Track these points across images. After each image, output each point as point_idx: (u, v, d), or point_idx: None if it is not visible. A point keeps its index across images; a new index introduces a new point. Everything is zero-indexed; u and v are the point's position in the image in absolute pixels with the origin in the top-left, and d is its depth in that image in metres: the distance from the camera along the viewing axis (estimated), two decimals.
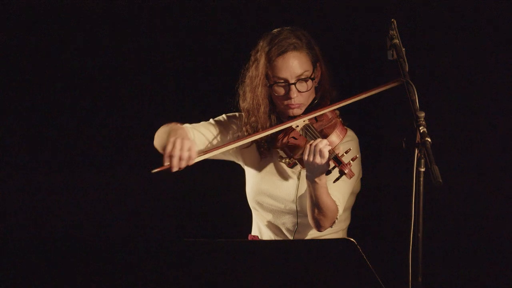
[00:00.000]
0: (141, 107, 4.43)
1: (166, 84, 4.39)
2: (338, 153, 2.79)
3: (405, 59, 2.74)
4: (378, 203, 4.09)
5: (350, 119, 4.09)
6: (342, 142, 3.01)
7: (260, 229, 3.21)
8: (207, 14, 4.23)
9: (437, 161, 2.42)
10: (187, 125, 3.18)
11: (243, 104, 3.17)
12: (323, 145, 2.81)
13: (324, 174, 2.85)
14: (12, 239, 4.50)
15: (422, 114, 2.53)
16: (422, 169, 2.47)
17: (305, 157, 2.86)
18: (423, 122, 2.51)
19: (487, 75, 3.90)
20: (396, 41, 2.76)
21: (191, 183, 4.27)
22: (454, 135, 3.92)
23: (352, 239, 2.43)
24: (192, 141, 2.88)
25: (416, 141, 2.49)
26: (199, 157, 2.92)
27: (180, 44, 4.32)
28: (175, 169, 2.85)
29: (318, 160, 2.80)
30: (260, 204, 3.18)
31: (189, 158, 2.86)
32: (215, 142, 3.18)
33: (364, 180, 4.12)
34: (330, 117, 3.05)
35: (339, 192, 3.01)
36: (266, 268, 2.56)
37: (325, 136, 2.94)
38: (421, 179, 2.47)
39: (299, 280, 2.55)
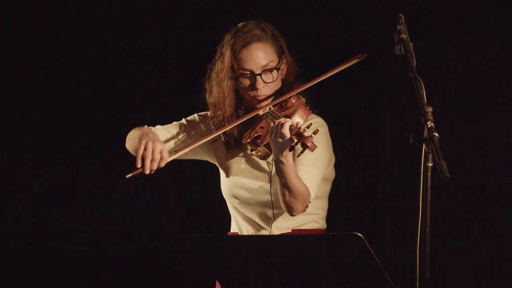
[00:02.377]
0: (137, 105, 4.45)
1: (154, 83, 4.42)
2: (299, 128, 2.81)
3: (413, 54, 2.73)
4: (386, 198, 4.09)
5: (353, 115, 4.11)
6: (306, 121, 3.02)
7: (239, 225, 3.22)
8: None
9: (444, 156, 2.42)
10: (158, 127, 3.22)
11: (210, 99, 3.19)
12: (284, 121, 2.84)
13: (290, 152, 2.86)
14: (12, 238, 4.53)
15: (430, 109, 2.52)
16: (430, 164, 2.46)
17: (269, 138, 2.89)
18: (431, 117, 2.51)
19: (497, 68, 3.89)
20: (404, 36, 2.75)
21: (166, 182, 4.28)
22: (462, 130, 3.92)
23: (359, 234, 2.43)
24: (162, 143, 2.96)
25: (424, 136, 2.48)
26: (169, 158, 2.98)
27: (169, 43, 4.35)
28: (147, 171, 2.92)
29: (281, 136, 2.83)
30: (235, 199, 3.20)
31: (161, 159, 2.93)
32: (187, 141, 3.22)
33: (371, 175, 4.13)
34: (294, 101, 3.08)
35: (309, 175, 3.02)
36: (272, 263, 2.56)
37: (288, 118, 2.96)
38: (429, 174, 2.46)
39: (306, 275, 2.55)
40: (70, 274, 4.54)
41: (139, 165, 2.92)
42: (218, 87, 3.15)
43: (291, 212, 2.98)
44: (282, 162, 2.88)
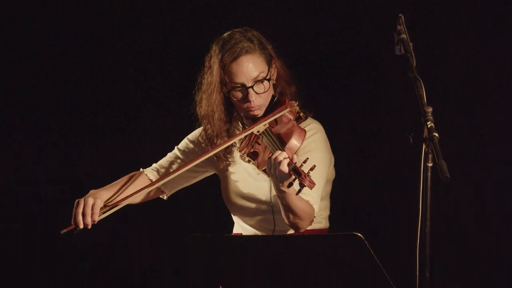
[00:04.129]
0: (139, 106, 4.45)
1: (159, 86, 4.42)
2: (296, 164, 2.77)
3: (413, 54, 2.73)
4: (386, 198, 4.09)
5: (354, 115, 4.11)
6: (306, 139, 3.01)
7: (242, 227, 3.23)
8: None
9: (444, 156, 2.42)
10: (153, 166, 3.26)
11: (199, 111, 3.19)
12: (282, 158, 2.79)
13: (287, 188, 2.84)
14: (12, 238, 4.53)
15: (430, 109, 2.52)
16: (430, 164, 2.46)
17: (268, 171, 2.87)
18: (431, 117, 2.50)
19: (497, 69, 3.89)
20: (404, 36, 2.75)
21: None
22: (462, 130, 3.92)
23: (359, 234, 2.43)
24: (97, 201, 3.01)
25: (424, 136, 2.48)
26: (102, 214, 3.03)
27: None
28: (80, 226, 2.99)
29: (279, 173, 2.79)
30: (236, 207, 3.20)
31: (93, 213, 2.99)
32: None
33: (371, 176, 4.13)
34: (290, 117, 3.06)
35: (310, 191, 2.96)
36: (273, 263, 2.56)
37: (284, 143, 2.94)
38: (429, 174, 2.46)
39: (307, 275, 2.55)
40: (71, 274, 4.53)
41: (72, 222, 3.00)
42: (207, 101, 3.14)
43: (297, 230, 2.99)
44: (283, 192, 2.86)
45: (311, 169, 2.75)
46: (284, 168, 2.78)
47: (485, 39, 3.90)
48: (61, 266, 4.55)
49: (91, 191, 3.07)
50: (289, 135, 2.97)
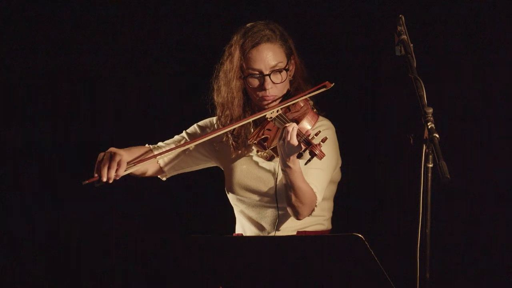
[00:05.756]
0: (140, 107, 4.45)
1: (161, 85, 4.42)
2: (308, 135, 2.80)
3: (413, 54, 2.74)
4: (386, 199, 4.09)
5: (355, 115, 4.11)
6: (314, 128, 3.02)
7: (244, 227, 3.22)
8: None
9: (445, 157, 2.42)
10: (159, 143, 3.24)
11: (218, 99, 3.20)
12: (293, 126, 2.82)
13: (297, 158, 2.84)
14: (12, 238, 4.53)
15: (430, 110, 2.52)
16: (430, 165, 2.46)
17: (278, 144, 2.88)
18: (431, 118, 2.51)
19: (497, 68, 3.89)
20: (404, 37, 2.76)
21: (170, 181, 4.29)
22: (462, 131, 3.92)
23: (360, 235, 2.43)
24: (124, 155, 3.00)
25: (424, 137, 2.48)
26: (128, 170, 3.04)
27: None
28: (104, 178, 2.97)
29: (288, 142, 2.80)
30: (240, 200, 3.20)
31: (119, 167, 2.98)
32: (191, 153, 3.24)
33: (372, 177, 4.13)
34: (303, 105, 3.07)
35: (316, 179, 3.01)
36: (273, 263, 2.56)
37: (297, 123, 2.95)
38: (429, 175, 2.46)
39: (307, 275, 2.55)
40: (70, 274, 4.53)
41: (95, 174, 2.99)
42: (227, 87, 3.15)
43: (297, 216, 2.98)
44: (289, 167, 2.87)
45: (323, 140, 2.77)
46: (294, 137, 2.79)
47: (485, 39, 3.90)
48: (61, 267, 4.55)
49: (112, 149, 3.05)
50: (301, 118, 2.99)
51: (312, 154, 2.77)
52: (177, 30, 4.35)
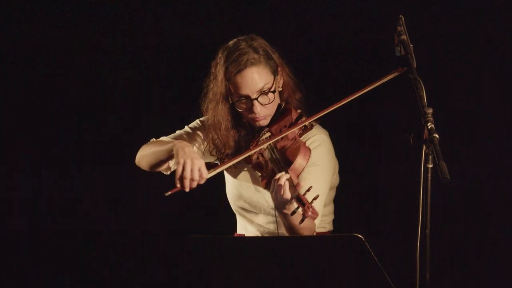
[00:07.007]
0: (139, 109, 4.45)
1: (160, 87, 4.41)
2: (300, 193, 2.73)
3: (413, 55, 2.74)
4: (386, 199, 4.09)
5: (355, 116, 4.11)
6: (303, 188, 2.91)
7: (246, 228, 3.23)
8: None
9: (444, 158, 2.42)
10: (163, 138, 3.21)
11: (206, 118, 3.18)
12: (284, 180, 2.78)
13: (290, 216, 2.81)
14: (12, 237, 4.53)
15: (430, 110, 2.52)
16: (430, 166, 2.46)
17: (271, 193, 2.86)
18: (431, 118, 2.51)
19: (497, 68, 3.89)
20: (404, 37, 2.76)
21: (171, 181, 4.29)
22: (462, 131, 3.92)
23: (359, 236, 2.43)
24: (201, 160, 2.88)
25: (424, 138, 2.48)
26: (209, 175, 2.92)
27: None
28: (187, 189, 2.87)
29: (281, 198, 2.78)
30: (240, 209, 3.20)
31: (200, 178, 2.87)
32: (195, 149, 3.21)
33: (371, 177, 4.13)
34: (295, 132, 3.03)
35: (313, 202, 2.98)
36: (273, 264, 2.56)
37: (289, 163, 2.91)
38: (429, 175, 2.46)
39: (307, 276, 2.55)
40: (70, 275, 4.53)
41: (178, 185, 2.87)
42: (213, 111, 3.14)
43: None
44: (286, 214, 2.85)
45: (315, 198, 2.71)
46: (287, 195, 2.77)
47: (485, 39, 3.90)
48: (62, 268, 4.55)
49: (186, 149, 2.92)
50: (294, 155, 2.94)
51: (305, 216, 2.69)
52: (177, 30, 4.35)
